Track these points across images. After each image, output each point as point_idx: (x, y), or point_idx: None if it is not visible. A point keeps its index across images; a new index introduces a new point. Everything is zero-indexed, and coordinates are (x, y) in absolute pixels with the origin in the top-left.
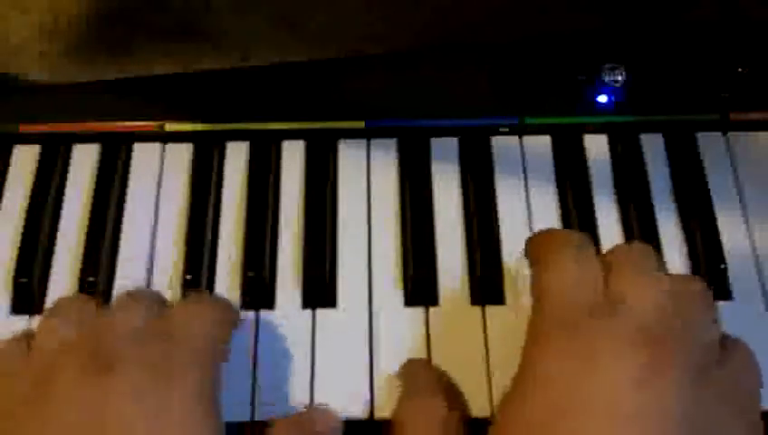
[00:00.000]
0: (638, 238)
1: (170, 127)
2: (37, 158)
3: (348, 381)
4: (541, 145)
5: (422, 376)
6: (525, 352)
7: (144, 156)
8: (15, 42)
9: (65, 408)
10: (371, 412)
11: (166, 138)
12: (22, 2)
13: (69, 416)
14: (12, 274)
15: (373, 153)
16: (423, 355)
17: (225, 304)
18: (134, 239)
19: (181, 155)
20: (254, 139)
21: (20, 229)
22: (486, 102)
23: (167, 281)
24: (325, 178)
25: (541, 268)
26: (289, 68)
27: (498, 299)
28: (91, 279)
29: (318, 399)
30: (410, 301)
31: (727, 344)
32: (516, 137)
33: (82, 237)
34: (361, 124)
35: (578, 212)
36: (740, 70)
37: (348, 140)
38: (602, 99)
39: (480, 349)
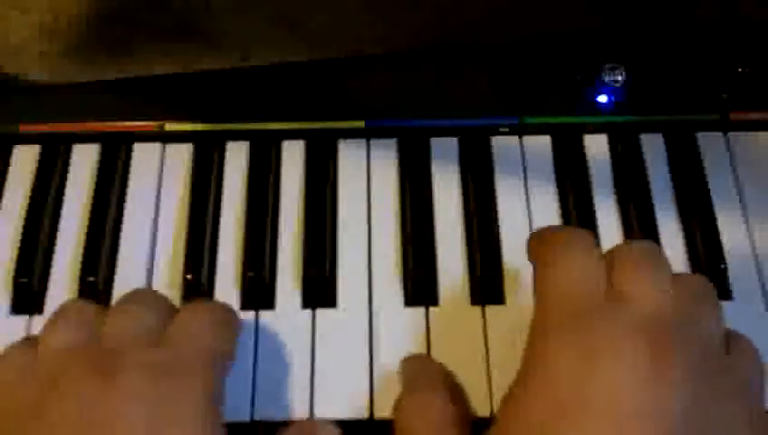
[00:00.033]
0: (638, 238)
1: (170, 127)
2: (37, 158)
3: (348, 380)
4: (541, 145)
5: (423, 371)
6: (527, 351)
7: (144, 156)
8: (15, 42)
9: (71, 412)
10: (371, 412)
11: (166, 138)
12: (22, 2)
13: (74, 420)
14: (12, 274)
15: (373, 153)
16: None
17: (225, 305)
18: (134, 239)
19: (181, 155)
20: (253, 139)
21: (20, 229)
22: (486, 102)
23: (167, 281)
24: (325, 178)
25: (543, 266)
26: (289, 68)
27: (498, 299)
28: (91, 279)
29: (318, 399)
30: (410, 301)
31: (732, 342)
32: (516, 137)
33: (82, 237)
34: (361, 124)
35: (578, 212)
36: (740, 70)
37: (348, 140)
38: (602, 99)
39: (480, 349)
